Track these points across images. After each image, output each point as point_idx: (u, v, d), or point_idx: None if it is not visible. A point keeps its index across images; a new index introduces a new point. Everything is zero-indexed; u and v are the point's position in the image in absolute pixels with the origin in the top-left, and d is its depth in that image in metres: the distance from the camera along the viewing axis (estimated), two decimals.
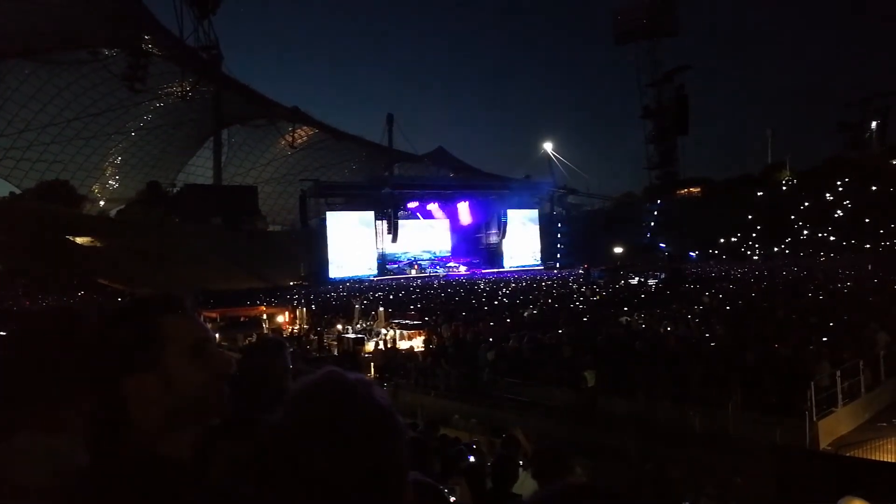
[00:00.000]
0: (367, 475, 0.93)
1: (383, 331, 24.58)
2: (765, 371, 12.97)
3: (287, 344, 2.74)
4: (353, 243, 63.63)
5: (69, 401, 1.29)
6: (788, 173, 77.66)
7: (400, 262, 68.64)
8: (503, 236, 72.02)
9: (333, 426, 0.94)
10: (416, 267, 67.68)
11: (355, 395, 0.98)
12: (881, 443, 10.91)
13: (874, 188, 60.29)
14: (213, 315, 29.69)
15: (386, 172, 77.22)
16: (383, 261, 66.32)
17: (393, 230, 65.38)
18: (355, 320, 26.79)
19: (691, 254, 61.35)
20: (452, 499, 3.58)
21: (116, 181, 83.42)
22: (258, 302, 38.53)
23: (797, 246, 60.21)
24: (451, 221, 73.11)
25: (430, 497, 1.38)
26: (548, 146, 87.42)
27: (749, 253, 63.86)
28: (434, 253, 71.89)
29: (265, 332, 26.74)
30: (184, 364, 1.16)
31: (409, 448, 0.99)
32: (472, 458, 5.99)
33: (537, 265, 72.16)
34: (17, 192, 70.70)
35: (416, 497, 1.36)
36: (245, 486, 1.21)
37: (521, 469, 5.39)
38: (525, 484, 5.01)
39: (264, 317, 30.70)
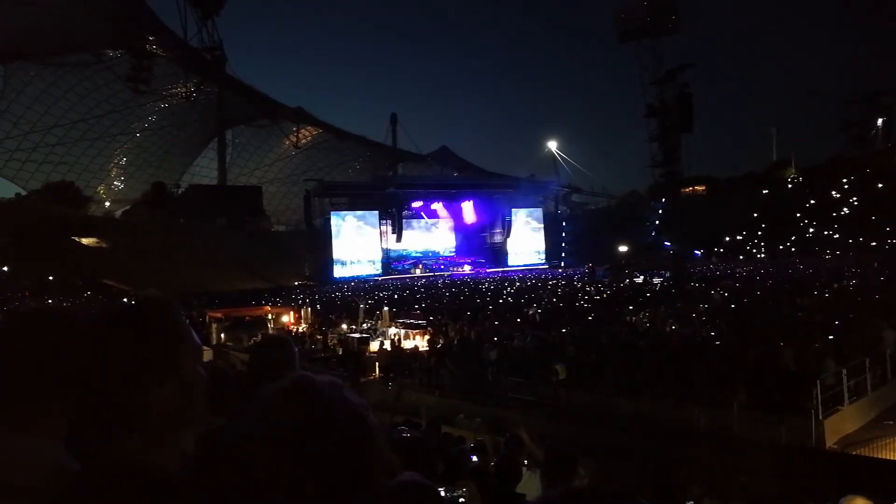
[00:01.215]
0: (340, 481, 0.90)
1: (388, 330, 24.57)
2: (770, 370, 12.94)
3: (293, 342, 2.76)
4: (357, 243, 63.68)
5: (57, 403, 1.27)
6: (794, 171, 77.43)
7: (404, 261, 68.62)
8: (508, 235, 71.98)
9: (303, 434, 0.91)
10: (420, 266, 67.64)
11: (324, 400, 0.95)
12: (887, 441, 10.88)
13: (880, 186, 60.05)
14: (218, 315, 29.76)
15: (390, 172, 77.21)
16: (387, 260, 66.32)
17: (397, 230, 65.39)
18: (360, 320, 26.80)
19: (696, 252, 61.20)
20: (462, 500, 3.58)
21: (121, 182, 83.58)
22: (263, 302, 38.58)
23: (802, 244, 60.00)
24: (455, 221, 73.04)
25: (426, 499, 1.38)
26: (552, 145, 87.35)
27: (754, 251, 63.65)
28: (438, 252, 71.85)
29: (270, 331, 26.77)
30: (194, 370, 1.15)
31: (388, 449, 0.97)
32: (474, 458, 5.99)
33: (542, 264, 72.09)
34: (23, 193, 70.94)
35: (413, 499, 1.36)
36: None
37: (525, 469, 5.40)
38: (528, 484, 5.01)
39: (269, 317, 30.72)
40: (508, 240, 71.94)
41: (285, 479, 0.89)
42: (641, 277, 43.64)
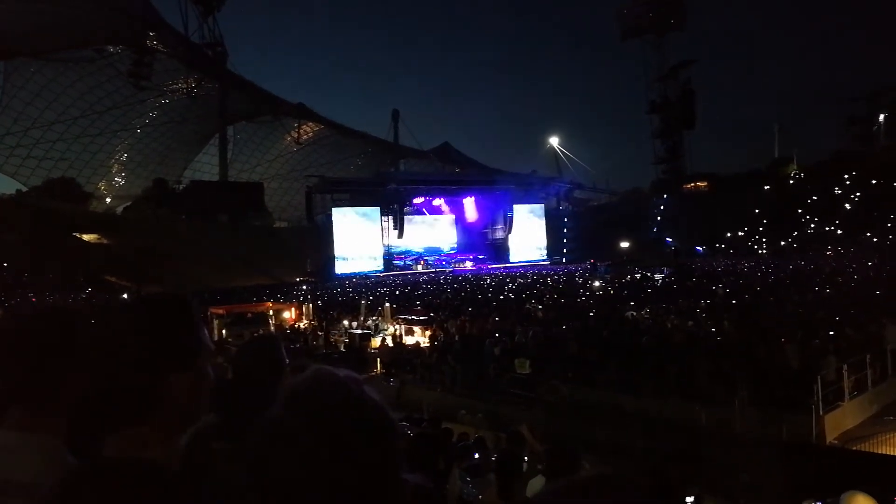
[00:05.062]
0: (369, 470, 0.92)
1: (389, 326, 24.59)
2: (771, 366, 12.93)
3: (281, 339, 2.74)
4: (358, 239, 63.65)
5: (56, 401, 1.28)
6: (796, 167, 77.36)
7: (406, 257, 68.62)
8: (509, 231, 71.91)
9: (334, 423, 0.93)
10: (422, 262, 67.65)
11: (350, 392, 0.97)
12: (888, 437, 10.87)
13: (882, 182, 59.94)
14: (220, 311, 29.73)
15: (392, 168, 77.13)
16: (389, 256, 66.34)
17: (399, 226, 65.37)
18: (361, 316, 26.81)
19: (698, 248, 61.16)
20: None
21: (122, 178, 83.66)
22: (264, 298, 38.60)
23: (804, 240, 59.92)
24: (456, 217, 73.05)
25: (423, 499, 1.39)
26: (554, 141, 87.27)
27: (756, 247, 63.58)
28: (440, 248, 71.82)
29: (272, 328, 26.79)
30: (206, 367, 1.16)
31: (407, 444, 0.99)
32: (476, 455, 6.01)
33: (544, 260, 72.03)
34: (24, 189, 70.97)
35: (411, 497, 1.37)
36: (239, 486, 1.20)
37: (525, 465, 5.40)
38: (532, 481, 5.01)
39: (271, 313, 30.72)
40: (510, 236, 71.86)
41: (320, 470, 0.90)
42: (643, 273, 43.55)
